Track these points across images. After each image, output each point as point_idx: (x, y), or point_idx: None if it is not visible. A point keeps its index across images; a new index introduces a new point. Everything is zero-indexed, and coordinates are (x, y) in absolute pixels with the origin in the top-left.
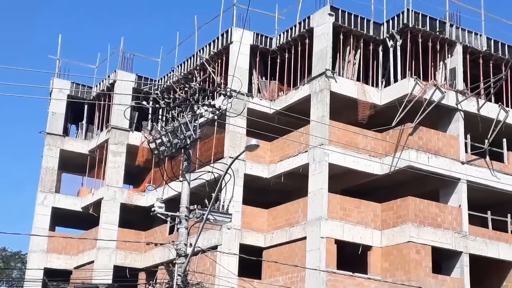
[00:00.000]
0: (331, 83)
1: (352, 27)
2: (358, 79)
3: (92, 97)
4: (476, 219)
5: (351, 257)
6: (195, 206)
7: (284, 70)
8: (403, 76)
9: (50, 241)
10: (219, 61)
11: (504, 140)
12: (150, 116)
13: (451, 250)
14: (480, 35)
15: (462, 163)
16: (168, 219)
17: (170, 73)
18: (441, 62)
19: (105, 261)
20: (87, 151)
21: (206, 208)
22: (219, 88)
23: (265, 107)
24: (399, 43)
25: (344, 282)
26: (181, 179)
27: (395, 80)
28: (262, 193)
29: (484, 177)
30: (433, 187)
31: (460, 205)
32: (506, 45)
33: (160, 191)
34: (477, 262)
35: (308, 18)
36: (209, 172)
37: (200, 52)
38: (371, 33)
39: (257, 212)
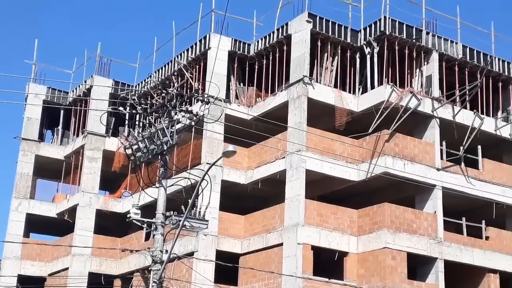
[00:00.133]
0: (308, 89)
1: (330, 34)
2: (335, 86)
3: (68, 103)
4: (451, 226)
5: (327, 263)
6: (172, 212)
7: (262, 76)
8: (380, 83)
9: (24, 248)
10: (197, 67)
11: (479, 147)
12: (127, 121)
13: (426, 256)
14: (456, 43)
15: (438, 169)
16: (144, 225)
17: (147, 78)
18: (418, 69)
19: (80, 268)
20: (63, 157)
21: (182, 215)
22: (196, 94)
23: (243, 113)
24: (376, 50)
25: None
26: (157, 185)
27: (372, 87)
28: (239, 199)
29: (459, 184)
30: (409, 193)
31: (435, 212)
32: (481, 53)
33: (136, 197)
34: (452, 268)
35: (286, 24)
36: (185, 178)
37: (178, 58)
38: (348, 40)
39: (234, 218)
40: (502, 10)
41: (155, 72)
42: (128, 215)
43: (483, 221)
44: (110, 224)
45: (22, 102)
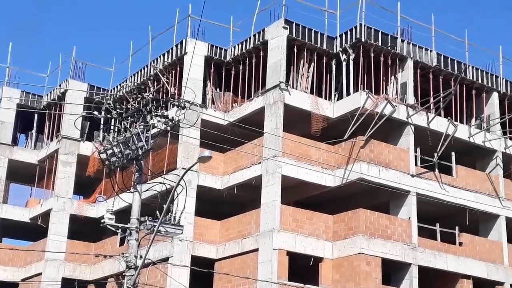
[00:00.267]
0: (285, 95)
1: (306, 40)
2: (311, 92)
3: (42, 106)
4: (425, 231)
5: (302, 268)
6: (146, 217)
7: (239, 82)
8: (356, 89)
9: None
10: (173, 71)
11: (453, 153)
12: (101, 126)
13: (400, 261)
14: (431, 51)
15: (412, 176)
16: (119, 230)
17: (123, 83)
18: (393, 77)
19: (53, 273)
20: (37, 161)
21: (157, 220)
22: (172, 99)
23: (219, 119)
24: (351, 57)
25: None
26: (132, 190)
27: (348, 94)
28: (215, 205)
29: (433, 190)
30: (384, 199)
31: (409, 218)
32: (455, 61)
33: (111, 202)
34: (425, 273)
35: (263, 30)
36: (161, 183)
37: (154, 63)
38: (324, 46)
39: (210, 223)
40: (476, 19)
41: (131, 77)
42: (102, 220)
43: (457, 227)
44: (84, 229)
45: None
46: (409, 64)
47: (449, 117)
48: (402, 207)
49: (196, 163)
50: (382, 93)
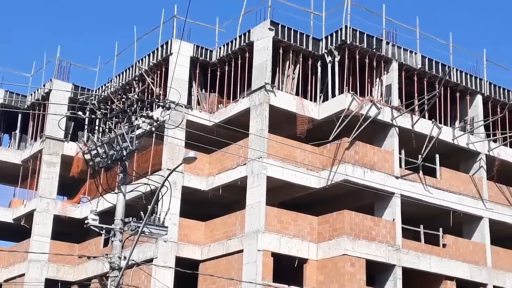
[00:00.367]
0: (270, 96)
1: (292, 42)
2: (297, 94)
3: (26, 106)
4: (409, 233)
5: (287, 270)
6: (131, 218)
7: (224, 83)
8: (341, 91)
9: None
10: (159, 72)
11: (437, 155)
12: (86, 126)
13: (384, 263)
14: (415, 53)
15: (397, 177)
16: (103, 231)
17: (107, 83)
18: (378, 79)
19: (36, 274)
20: (20, 161)
21: (141, 221)
22: (157, 100)
23: (204, 120)
24: (337, 59)
25: None
26: (116, 191)
27: (333, 95)
28: (200, 206)
29: (418, 192)
30: (369, 201)
31: (394, 219)
32: (440, 64)
33: (95, 203)
34: (409, 275)
35: (249, 32)
36: (145, 184)
37: (139, 63)
38: (310, 48)
39: (194, 224)
40: (461, 22)
41: (116, 77)
42: (86, 221)
43: (441, 229)
44: (68, 230)
45: None
46: (394, 66)
47: (433, 119)
48: (387, 208)
49: (181, 164)
50: (367, 95)
